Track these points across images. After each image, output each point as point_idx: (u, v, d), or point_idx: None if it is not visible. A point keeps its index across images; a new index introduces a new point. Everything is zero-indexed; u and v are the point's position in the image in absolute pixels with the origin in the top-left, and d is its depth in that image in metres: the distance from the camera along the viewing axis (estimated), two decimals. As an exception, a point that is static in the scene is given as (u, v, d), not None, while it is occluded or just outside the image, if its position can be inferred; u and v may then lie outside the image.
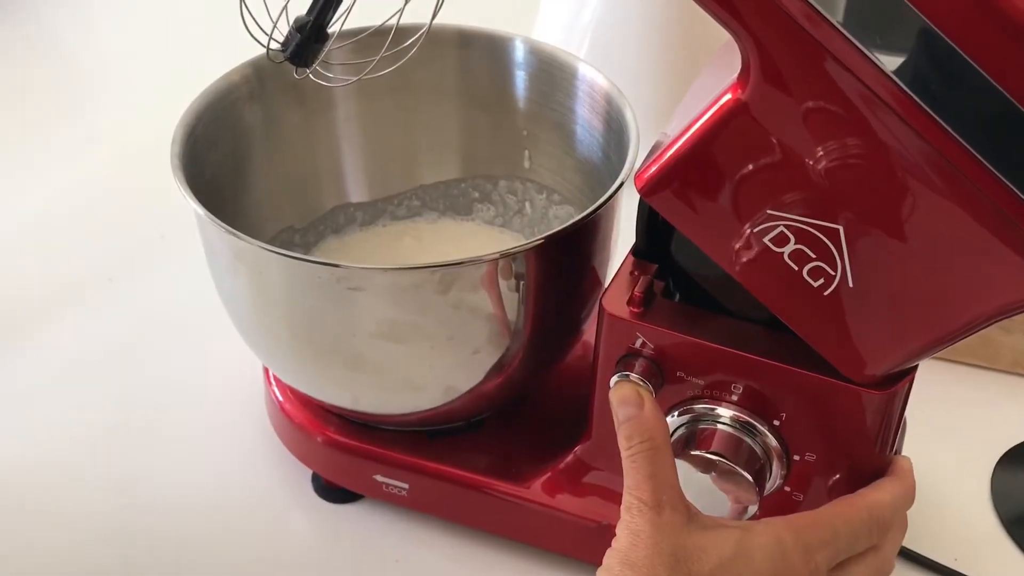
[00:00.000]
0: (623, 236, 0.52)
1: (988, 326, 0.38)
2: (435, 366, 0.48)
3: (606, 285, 0.47)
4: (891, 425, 0.43)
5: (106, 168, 0.81)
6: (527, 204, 0.62)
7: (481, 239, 0.63)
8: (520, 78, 0.58)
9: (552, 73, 0.57)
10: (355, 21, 0.47)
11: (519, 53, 0.57)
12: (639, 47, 0.74)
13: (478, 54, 0.58)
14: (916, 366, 0.42)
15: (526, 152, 0.61)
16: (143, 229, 0.74)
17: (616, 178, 0.49)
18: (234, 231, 0.45)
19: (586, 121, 0.56)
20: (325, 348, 0.48)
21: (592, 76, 0.55)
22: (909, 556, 0.53)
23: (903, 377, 0.42)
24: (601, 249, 0.51)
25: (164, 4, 1.03)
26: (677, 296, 0.47)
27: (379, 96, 0.58)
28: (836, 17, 0.33)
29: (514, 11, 0.82)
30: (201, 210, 0.46)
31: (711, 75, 0.45)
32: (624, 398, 0.42)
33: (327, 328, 0.47)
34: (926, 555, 0.53)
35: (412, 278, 0.44)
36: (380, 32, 0.50)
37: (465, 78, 0.59)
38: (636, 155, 0.49)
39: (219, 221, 0.45)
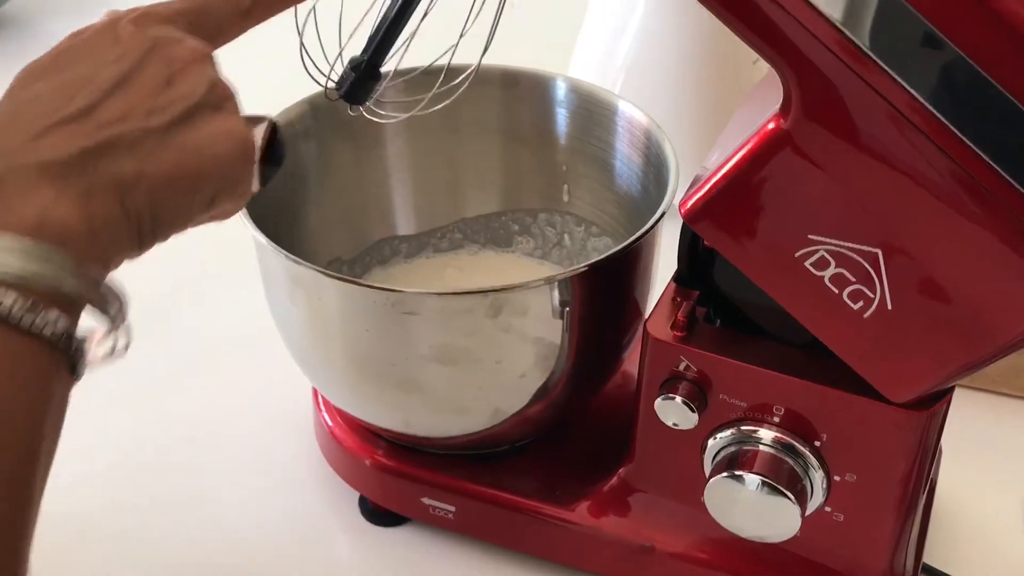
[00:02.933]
0: (662, 268, 0.54)
1: (1025, 347, 0.40)
2: (484, 389, 0.49)
3: (648, 312, 0.48)
4: (929, 445, 0.45)
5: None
6: (566, 236, 0.64)
7: (521, 270, 0.65)
8: (561, 115, 0.60)
9: (592, 110, 0.59)
10: (405, 60, 0.50)
11: (560, 91, 0.60)
12: (673, 84, 0.76)
13: (521, 93, 0.60)
14: (953, 387, 0.44)
15: (565, 186, 0.63)
16: (195, 256, 0.77)
17: (655, 209, 0.51)
18: (295, 257, 0.47)
19: (625, 156, 0.58)
20: (378, 371, 0.50)
21: (631, 112, 0.57)
22: (931, 573, 0.53)
23: (941, 397, 0.43)
24: (642, 279, 0.53)
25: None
26: (718, 322, 0.48)
27: (427, 132, 0.60)
28: (869, 44, 0.35)
29: (550, 50, 0.84)
30: (263, 238, 0.48)
31: (751, 107, 0.47)
32: None
33: (381, 351, 0.48)
34: (962, 578, 0.54)
35: (464, 302, 0.46)
36: (430, 72, 0.52)
37: (508, 115, 0.61)
38: (676, 187, 0.51)
39: (280, 248, 0.47)
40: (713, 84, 0.76)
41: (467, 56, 0.50)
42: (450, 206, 0.64)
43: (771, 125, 0.38)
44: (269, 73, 0.89)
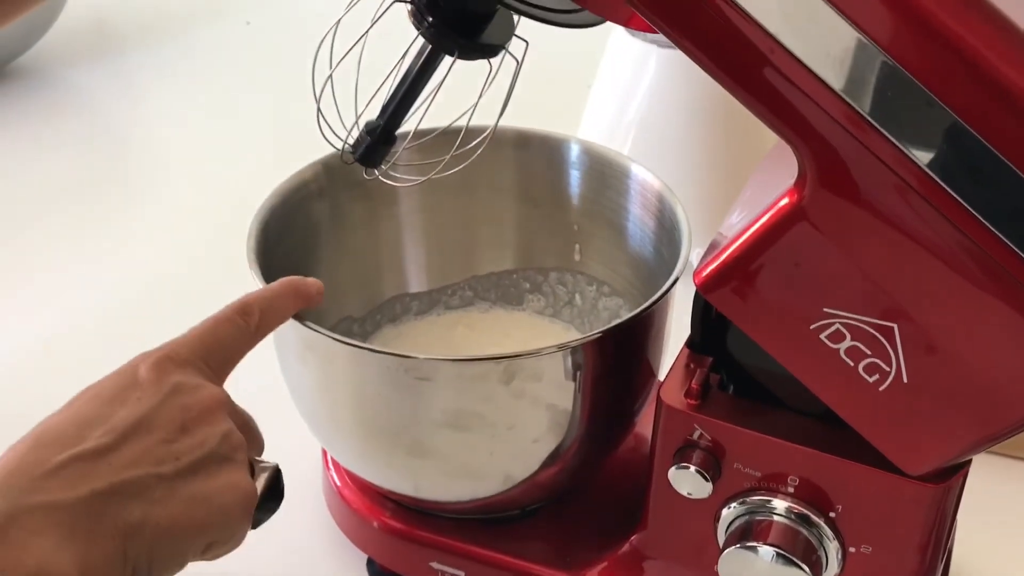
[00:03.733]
0: (675, 329, 0.54)
1: (1042, 422, 0.39)
2: (495, 454, 0.49)
3: (662, 377, 0.48)
4: (946, 518, 0.44)
5: (168, 260, 0.84)
6: (577, 295, 0.64)
7: (532, 329, 0.65)
8: (574, 176, 0.61)
9: (604, 171, 0.59)
10: (420, 123, 0.50)
11: (573, 153, 0.60)
12: (683, 144, 0.76)
13: (534, 154, 0.61)
14: (970, 459, 0.43)
15: (576, 245, 0.63)
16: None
17: (668, 271, 0.51)
18: (307, 323, 0.47)
19: (637, 218, 0.58)
20: (390, 435, 0.49)
21: (644, 175, 0.57)
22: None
23: (958, 470, 0.43)
24: (655, 342, 0.52)
25: (212, 101, 1.08)
26: (731, 388, 0.48)
27: (441, 192, 0.60)
28: (872, 113, 0.35)
29: (561, 109, 0.85)
30: (275, 301, 0.48)
31: (769, 170, 0.47)
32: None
33: (392, 416, 0.48)
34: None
35: (478, 369, 0.46)
36: (445, 134, 0.53)
37: (521, 176, 0.61)
38: (688, 252, 0.52)
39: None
40: (724, 144, 0.77)
41: (478, 118, 0.50)
42: (462, 265, 0.64)
43: (785, 200, 0.38)
44: (284, 130, 0.90)
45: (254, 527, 0.42)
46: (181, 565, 0.39)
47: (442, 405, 0.47)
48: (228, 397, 0.42)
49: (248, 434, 0.43)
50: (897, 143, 0.35)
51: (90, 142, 1.03)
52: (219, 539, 0.40)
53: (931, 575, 0.46)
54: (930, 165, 0.35)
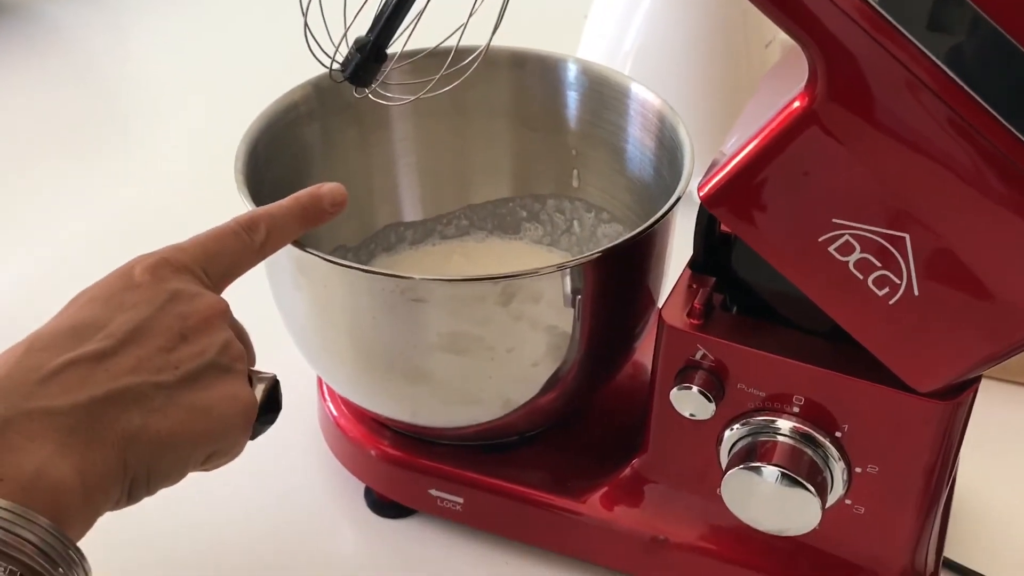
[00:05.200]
0: (675, 255, 0.52)
1: (1055, 335, 0.38)
2: (494, 378, 0.48)
3: (663, 298, 0.47)
4: (954, 437, 0.43)
5: (162, 192, 0.82)
6: (575, 223, 0.63)
7: (529, 258, 0.64)
8: (572, 98, 0.59)
9: (603, 93, 0.58)
10: (411, 42, 0.48)
11: (571, 73, 0.58)
12: (683, 67, 0.75)
13: (530, 75, 0.59)
14: (980, 376, 0.42)
15: (575, 171, 0.62)
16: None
17: (668, 194, 0.50)
18: (300, 245, 0.45)
19: (637, 140, 0.57)
20: (386, 361, 0.48)
21: (644, 95, 0.55)
22: (952, 567, 0.52)
23: (967, 387, 0.42)
24: (655, 265, 0.51)
25: (202, 26, 1.05)
26: (735, 309, 0.47)
27: (434, 116, 0.59)
28: (889, 10, 0.34)
29: (559, 33, 0.83)
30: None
31: (768, 91, 0.45)
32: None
33: (389, 340, 0.47)
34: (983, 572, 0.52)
35: (475, 289, 0.45)
36: (436, 53, 0.51)
37: (517, 98, 0.59)
38: (691, 171, 0.50)
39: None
40: (723, 67, 0.75)
41: (474, 38, 0.49)
42: (457, 192, 0.62)
43: (796, 103, 0.37)
44: (273, 54, 0.88)
45: (252, 438, 0.41)
46: (180, 475, 0.38)
47: (439, 328, 0.46)
48: (227, 307, 0.40)
49: (241, 338, 0.42)
50: (912, 39, 0.34)
51: (78, 78, 1.00)
52: (219, 450, 0.39)
53: (938, 496, 0.45)
54: (946, 60, 0.34)
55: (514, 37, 0.58)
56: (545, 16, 0.91)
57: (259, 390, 0.41)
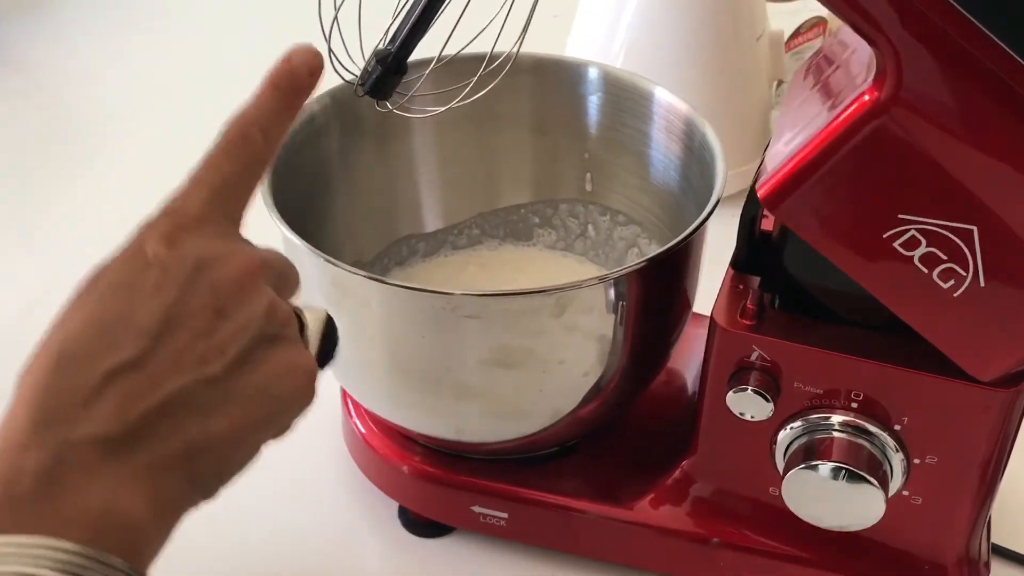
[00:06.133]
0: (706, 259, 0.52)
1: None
2: (545, 390, 0.47)
3: (714, 301, 0.47)
4: (1013, 424, 0.44)
5: (114, 206, 0.78)
6: (589, 226, 0.62)
7: (544, 264, 0.63)
8: (591, 103, 0.58)
9: (620, 96, 0.57)
10: (425, 50, 0.47)
11: (590, 78, 0.58)
12: (674, 66, 0.74)
13: (550, 81, 0.58)
14: (1038, 363, 0.43)
15: (588, 175, 0.61)
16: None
17: (694, 199, 0.50)
18: (339, 263, 0.44)
19: (661, 144, 0.56)
20: (431, 379, 0.47)
21: (670, 100, 0.55)
22: (1000, 552, 0.53)
23: (1026, 374, 0.42)
24: (692, 271, 0.51)
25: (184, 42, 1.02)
26: (776, 305, 0.47)
27: (453, 125, 0.58)
28: (978, 16, 0.34)
29: (547, 31, 0.82)
30: (300, 242, 0.45)
31: (805, 95, 0.45)
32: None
33: (437, 358, 0.46)
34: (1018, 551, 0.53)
35: (529, 303, 0.44)
36: (455, 61, 0.50)
37: (538, 105, 0.59)
38: (726, 175, 0.50)
39: (321, 253, 0.44)
40: (715, 62, 0.75)
41: (479, 45, 0.48)
42: (479, 201, 0.62)
43: (866, 98, 0.37)
44: (222, 63, 0.85)
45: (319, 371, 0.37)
46: (251, 461, 0.35)
47: (491, 343, 0.45)
48: (259, 254, 0.34)
49: (283, 277, 0.36)
50: (990, 32, 0.34)
51: (27, 98, 0.96)
52: (284, 426, 0.35)
53: (994, 484, 0.46)
54: (1021, 52, 0.34)
55: (500, 39, 0.57)
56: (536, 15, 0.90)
57: (312, 336, 0.36)
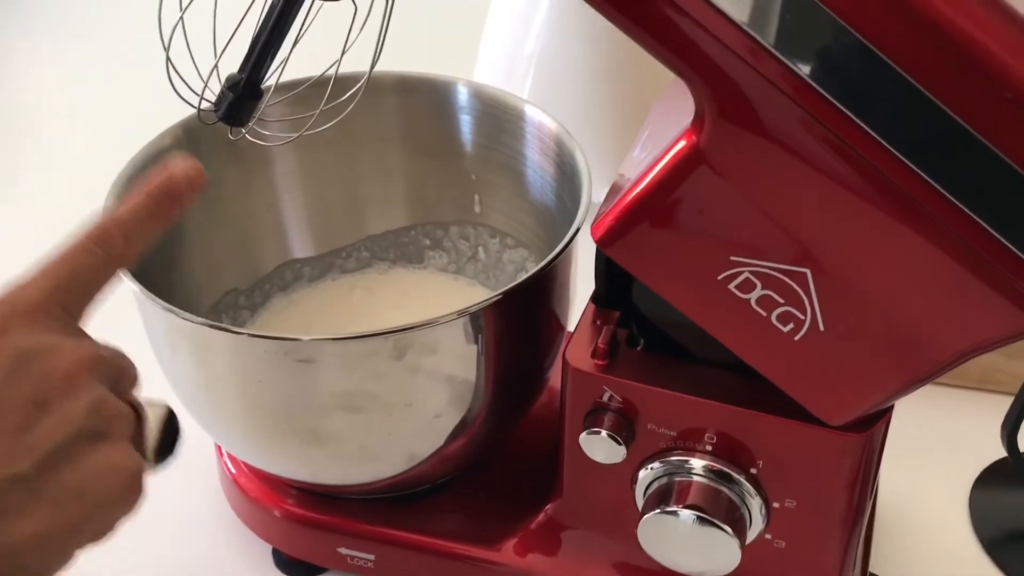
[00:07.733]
0: (582, 276, 0.50)
1: (964, 363, 0.37)
2: (394, 434, 0.45)
3: (568, 335, 0.45)
4: (870, 466, 0.42)
5: (26, 242, 0.77)
6: (480, 249, 0.61)
7: (434, 288, 0.61)
8: (465, 122, 0.56)
9: (498, 116, 0.55)
10: (289, 73, 0.45)
11: (462, 97, 0.56)
12: (586, 78, 0.72)
13: (420, 100, 0.56)
14: (892, 406, 0.41)
15: (476, 196, 0.59)
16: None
17: (570, 219, 0.47)
18: (173, 308, 0.42)
19: (536, 164, 0.54)
20: (277, 423, 0.45)
21: (540, 119, 0.53)
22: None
23: (880, 418, 0.41)
24: (560, 295, 0.49)
25: (78, 66, 1.00)
26: (641, 343, 0.45)
27: (319, 148, 0.56)
28: (777, 46, 0.32)
29: (454, 50, 0.80)
30: (136, 286, 0.43)
31: (665, 111, 0.43)
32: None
33: (279, 403, 0.44)
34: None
35: (365, 346, 0.42)
36: (317, 84, 0.48)
37: (408, 125, 0.57)
38: (589, 201, 0.48)
39: (155, 298, 0.43)
40: (630, 76, 0.73)
41: (362, 63, 0.46)
42: (352, 224, 0.60)
43: (682, 142, 0.35)
44: (135, 97, 0.83)
45: (156, 467, 0.36)
46: (63, 565, 0.33)
47: (330, 387, 0.43)
48: (94, 349, 0.33)
49: (119, 373, 0.35)
50: (802, 74, 0.32)
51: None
52: (103, 529, 0.33)
53: (858, 523, 0.44)
54: (836, 95, 0.32)
55: (407, 59, 0.55)
56: (440, 31, 0.89)
57: (151, 431, 0.35)
